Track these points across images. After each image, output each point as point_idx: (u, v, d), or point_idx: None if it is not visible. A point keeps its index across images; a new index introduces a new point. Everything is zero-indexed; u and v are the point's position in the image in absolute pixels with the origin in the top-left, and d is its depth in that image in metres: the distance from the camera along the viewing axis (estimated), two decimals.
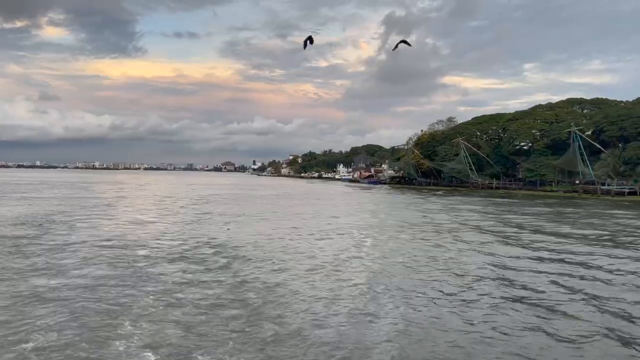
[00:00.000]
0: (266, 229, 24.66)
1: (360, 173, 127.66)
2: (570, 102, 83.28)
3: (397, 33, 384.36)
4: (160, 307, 10.37)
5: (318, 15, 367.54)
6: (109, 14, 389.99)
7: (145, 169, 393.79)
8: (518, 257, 17.37)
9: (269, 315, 10.04)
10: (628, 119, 67.66)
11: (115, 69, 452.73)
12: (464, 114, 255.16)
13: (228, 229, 24.09)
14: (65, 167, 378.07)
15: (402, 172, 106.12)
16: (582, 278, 14.02)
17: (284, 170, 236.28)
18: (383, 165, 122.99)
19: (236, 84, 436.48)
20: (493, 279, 13.81)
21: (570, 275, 14.32)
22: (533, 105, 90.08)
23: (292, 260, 16.22)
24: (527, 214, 36.23)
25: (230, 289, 12.11)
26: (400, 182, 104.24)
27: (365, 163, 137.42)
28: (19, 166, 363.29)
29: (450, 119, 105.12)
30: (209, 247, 18.24)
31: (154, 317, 9.66)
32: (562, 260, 16.76)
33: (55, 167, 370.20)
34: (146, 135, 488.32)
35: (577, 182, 67.74)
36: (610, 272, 14.95)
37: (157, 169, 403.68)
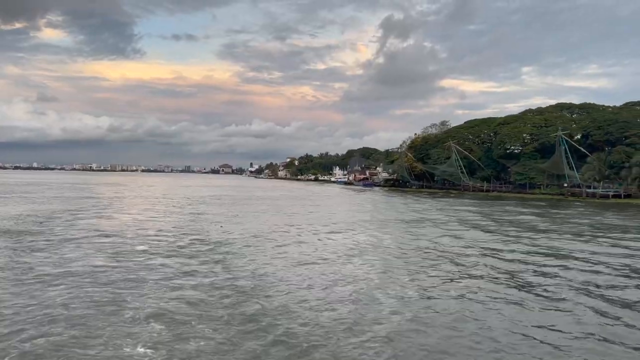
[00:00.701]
0: (258, 227, 26.20)
1: (355, 176, 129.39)
2: (560, 106, 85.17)
3: (396, 36, 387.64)
4: (161, 287, 11.90)
5: (316, 18, 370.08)
6: (108, 16, 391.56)
7: (143, 171, 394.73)
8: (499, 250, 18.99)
9: (257, 295, 11.60)
10: (614, 123, 69.57)
11: (114, 70, 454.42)
12: (462, 117, 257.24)
13: (221, 227, 25.65)
14: (63, 168, 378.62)
15: (395, 175, 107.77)
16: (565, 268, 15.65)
17: (281, 173, 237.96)
18: (378, 168, 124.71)
19: (234, 87, 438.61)
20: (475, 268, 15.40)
21: (552, 265, 15.95)
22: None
23: (279, 253, 17.75)
24: (510, 213, 37.89)
25: (221, 275, 13.65)
26: (394, 184, 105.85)
27: (360, 166, 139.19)
28: (16, 167, 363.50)
29: (443, 123, 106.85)
30: (203, 244, 19.76)
31: (154, 295, 11.19)
32: (546, 254, 18.37)
33: (52, 169, 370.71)
34: (144, 137, 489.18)
35: (566, 185, 69.59)
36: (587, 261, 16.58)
37: (155, 171, 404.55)
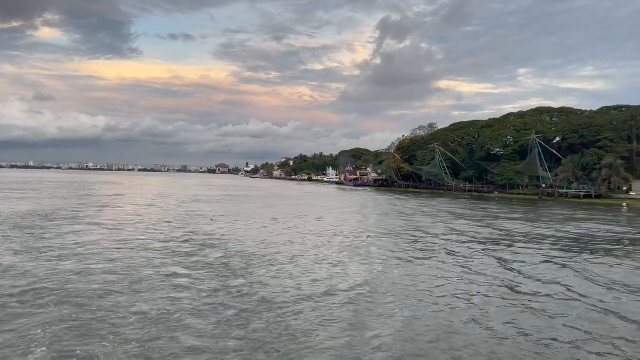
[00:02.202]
0: (246, 222, 29.46)
1: (346, 176, 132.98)
2: (539, 110, 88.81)
3: (392, 37, 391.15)
4: (158, 264, 15.15)
5: (313, 18, 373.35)
6: (105, 16, 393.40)
7: (140, 170, 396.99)
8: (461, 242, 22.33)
9: (240, 273, 14.84)
10: (587, 127, 73.20)
11: (110, 70, 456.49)
12: (459, 118, 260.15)
13: (211, 220, 28.99)
14: (59, 167, 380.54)
15: (384, 175, 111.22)
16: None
17: (276, 173, 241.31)
18: (368, 169, 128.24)
19: (231, 86, 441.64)
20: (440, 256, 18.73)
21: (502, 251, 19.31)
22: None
23: (262, 241, 21.03)
24: (470, 208, 41.29)
25: (211, 257, 16.91)
26: (383, 184, 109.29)
27: (350, 166, 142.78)
28: (12, 166, 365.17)
29: (431, 125, 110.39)
30: (196, 235, 23.00)
31: (155, 268, 14.43)
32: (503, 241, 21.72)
33: (48, 168, 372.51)
34: (140, 137, 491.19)
35: (544, 185, 73.21)
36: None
37: (152, 170, 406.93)
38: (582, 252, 19.91)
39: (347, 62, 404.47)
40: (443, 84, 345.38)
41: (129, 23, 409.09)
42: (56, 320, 9.55)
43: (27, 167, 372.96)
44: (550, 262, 17.55)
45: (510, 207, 49.47)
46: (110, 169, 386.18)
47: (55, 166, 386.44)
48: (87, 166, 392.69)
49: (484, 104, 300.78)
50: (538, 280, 14.50)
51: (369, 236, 15.17)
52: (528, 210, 46.31)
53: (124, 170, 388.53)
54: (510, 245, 21.46)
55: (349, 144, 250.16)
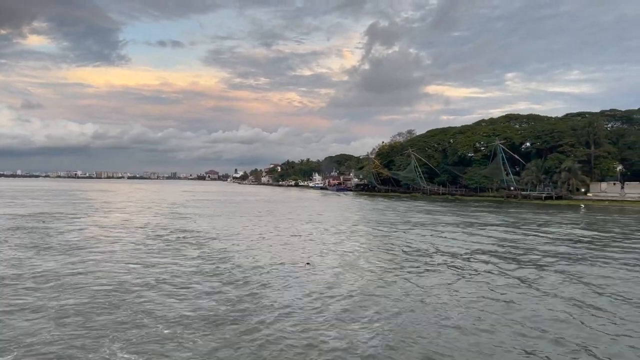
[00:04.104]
0: (227, 222, 33.41)
1: (329, 181, 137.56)
2: (508, 117, 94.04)
3: (381, 43, 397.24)
4: (154, 253, 19.07)
5: (302, 24, 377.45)
6: (93, 23, 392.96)
7: (129, 177, 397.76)
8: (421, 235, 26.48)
9: (221, 257, 18.83)
10: (550, 133, 78.41)
11: (99, 77, 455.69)
12: (447, 122, 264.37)
13: (195, 222, 32.98)
14: (47, 176, 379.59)
15: (365, 180, 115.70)
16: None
17: (264, 179, 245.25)
18: (351, 174, 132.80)
19: (221, 93, 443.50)
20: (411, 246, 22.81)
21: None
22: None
23: (238, 236, 25.01)
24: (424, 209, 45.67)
25: (191, 248, 20.87)
26: (364, 189, 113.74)
27: (331, 172, 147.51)
28: (0, 175, 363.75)
29: (409, 131, 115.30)
30: (181, 232, 26.92)
31: (150, 256, 18.35)
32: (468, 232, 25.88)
33: (36, 176, 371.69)
34: (130, 144, 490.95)
35: (513, 188, 78.19)
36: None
37: (141, 178, 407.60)
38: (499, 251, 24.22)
39: (336, 67, 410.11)
40: (431, 88, 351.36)
41: (117, 30, 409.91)
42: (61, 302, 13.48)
43: (14, 175, 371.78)
44: (464, 231, 21.80)
45: (460, 206, 54.00)
46: (99, 177, 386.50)
47: (44, 174, 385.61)
48: (75, 174, 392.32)
49: (473, 108, 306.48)
50: (459, 246, 18.73)
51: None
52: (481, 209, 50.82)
53: (113, 178, 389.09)
54: (436, 227, 25.72)
55: (339, 149, 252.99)
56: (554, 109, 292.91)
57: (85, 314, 11.07)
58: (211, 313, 11.35)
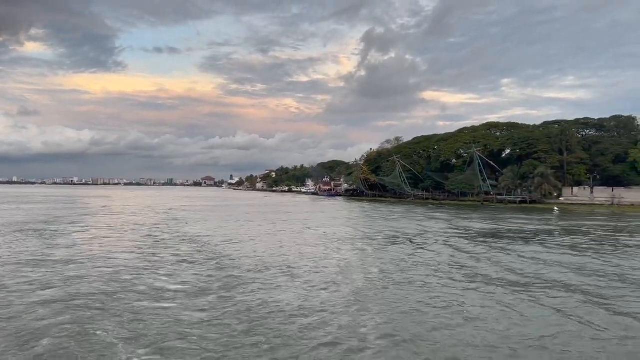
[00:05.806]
0: (215, 225, 37.14)
1: (320, 187, 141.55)
2: (488, 125, 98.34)
3: (377, 49, 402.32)
4: (150, 248, 22.77)
5: (298, 31, 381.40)
6: (89, 29, 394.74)
7: (126, 184, 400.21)
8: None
9: (216, 253, 22.55)
10: (525, 141, 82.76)
11: (95, 83, 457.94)
12: (444, 128, 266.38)
13: (186, 223, 36.73)
14: (43, 182, 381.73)
15: (354, 185, 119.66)
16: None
17: (259, 185, 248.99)
18: (341, 180, 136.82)
19: (217, 99, 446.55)
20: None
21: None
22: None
23: (227, 235, 28.71)
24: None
25: (184, 245, 24.58)
26: (353, 194, 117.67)
27: (321, 178, 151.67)
28: None
29: (397, 139, 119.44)
30: (174, 235, 30.62)
31: (149, 252, 22.05)
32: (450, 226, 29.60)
33: (32, 183, 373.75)
34: (126, 151, 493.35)
35: (492, 193, 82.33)
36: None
37: (138, 184, 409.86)
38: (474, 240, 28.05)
39: (332, 73, 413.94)
40: (428, 94, 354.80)
41: (114, 37, 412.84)
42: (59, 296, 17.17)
43: (10, 182, 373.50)
44: (437, 219, 25.60)
45: (440, 210, 57.95)
46: (95, 184, 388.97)
47: (40, 181, 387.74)
48: (72, 181, 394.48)
49: (469, 114, 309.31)
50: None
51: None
52: (458, 212, 54.74)
53: (109, 184, 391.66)
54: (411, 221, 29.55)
55: (336, 155, 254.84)
56: (549, 115, 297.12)
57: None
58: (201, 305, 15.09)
